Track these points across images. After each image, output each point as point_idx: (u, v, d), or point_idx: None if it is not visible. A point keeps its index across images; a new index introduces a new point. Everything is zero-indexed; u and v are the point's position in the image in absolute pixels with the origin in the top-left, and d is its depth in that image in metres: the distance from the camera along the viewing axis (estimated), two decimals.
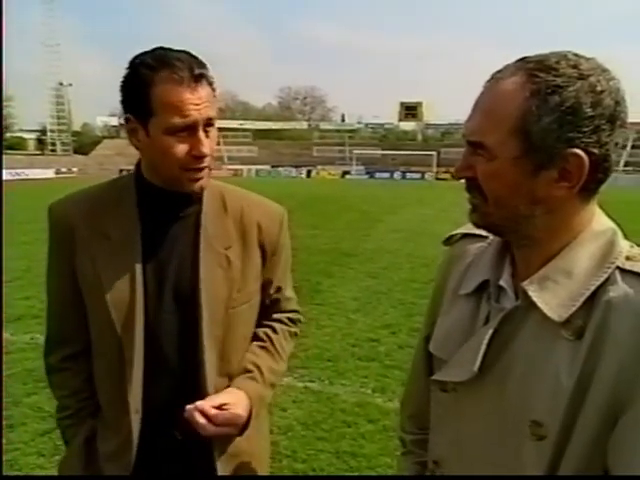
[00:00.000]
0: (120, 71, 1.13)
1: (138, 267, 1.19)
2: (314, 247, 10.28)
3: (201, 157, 1.13)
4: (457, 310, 0.93)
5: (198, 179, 1.16)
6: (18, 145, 72.91)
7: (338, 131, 68.85)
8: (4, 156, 55.47)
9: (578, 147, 0.73)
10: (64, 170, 51.66)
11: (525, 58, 0.77)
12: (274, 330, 1.39)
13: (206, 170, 1.16)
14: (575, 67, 0.74)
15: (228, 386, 1.26)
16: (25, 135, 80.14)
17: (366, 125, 69.84)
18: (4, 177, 42.14)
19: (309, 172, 55.05)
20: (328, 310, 6.12)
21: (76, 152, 67.82)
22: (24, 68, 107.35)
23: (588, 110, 0.72)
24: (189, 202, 1.24)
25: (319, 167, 56.71)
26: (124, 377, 1.19)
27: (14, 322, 5.50)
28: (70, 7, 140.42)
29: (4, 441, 3.32)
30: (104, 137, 70.41)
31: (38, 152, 69.37)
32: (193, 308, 1.21)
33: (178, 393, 1.22)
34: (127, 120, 1.14)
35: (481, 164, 0.79)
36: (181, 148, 1.11)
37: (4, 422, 3.53)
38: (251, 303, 1.31)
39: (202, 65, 1.12)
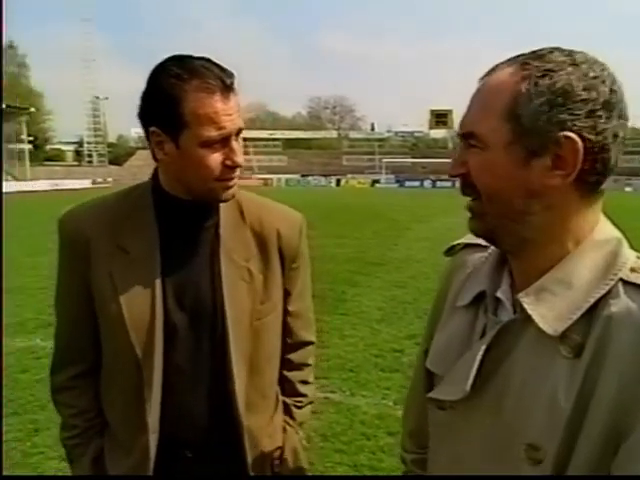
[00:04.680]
0: None
1: (158, 284, 1.16)
2: (340, 256, 10.25)
3: (236, 167, 1.11)
4: (454, 323, 0.89)
5: (231, 187, 1.14)
6: (57, 156, 75.45)
7: (368, 140, 68.93)
8: (44, 167, 57.45)
9: (571, 131, 0.69)
10: (100, 180, 53.16)
11: (520, 54, 0.76)
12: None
13: (237, 178, 1.14)
14: (568, 55, 0.72)
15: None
16: (64, 147, 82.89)
17: (396, 133, 69.73)
18: (44, 187, 43.76)
19: (338, 181, 55.24)
20: (352, 320, 6.08)
21: (111, 163, 69.78)
22: (63, 83, 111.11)
23: (581, 93, 0.69)
24: (208, 214, 1.21)
25: (349, 176, 56.91)
26: (141, 397, 1.16)
27: (45, 328, 5.65)
28: (106, 24, 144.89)
29: (28, 444, 3.40)
30: (138, 148, 72.11)
31: (76, 163, 71.56)
32: (217, 324, 1.19)
33: (204, 412, 1.21)
34: (152, 133, 1.09)
35: (473, 157, 0.75)
36: (216, 159, 1.08)
37: (29, 426, 3.61)
38: (277, 312, 1.29)
39: (230, 74, 1.09)
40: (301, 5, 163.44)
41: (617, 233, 0.78)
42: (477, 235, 0.83)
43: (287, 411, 1.39)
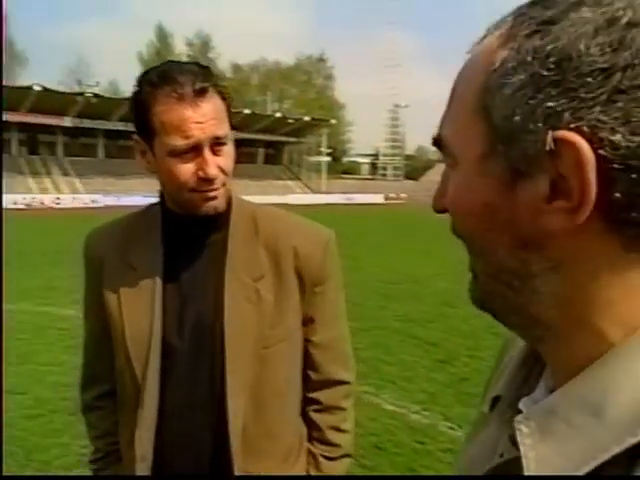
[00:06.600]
0: None
1: (157, 301, 1.22)
2: None
3: (209, 179, 1.14)
4: (481, 436, 0.64)
5: (211, 199, 1.18)
6: (352, 169, 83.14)
7: None
8: (340, 180, 63.44)
9: (575, 128, 0.41)
10: (393, 196, 55.47)
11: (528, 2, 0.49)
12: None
13: (221, 190, 1.18)
14: None
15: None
16: (360, 159, 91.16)
17: None
18: (336, 200, 47.79)
19: None
20: None
21: (407, 177, 73.09)
22: (365, 92, 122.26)
23: (599, 58, 0.41)
24: (214, 227, 1.26)
25: None
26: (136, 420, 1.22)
27: None
28: (413, 26, 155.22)
29: None
30: (437, 161, 73.95)
31: (370, 177, 77.46)
32: (216, 348, 1.20)
33: (198, 440, 1.22)
34: (135, 141, 1.22)
35: (450, 180, 0.53)
36: (187, 170, 1.14)
37: None
38: (292, 340, 1.28)
39: (207, 77, 1.15)
40: None
41: None
42: (476, 306, 0.59)
43: (313, 462, 1.34)
